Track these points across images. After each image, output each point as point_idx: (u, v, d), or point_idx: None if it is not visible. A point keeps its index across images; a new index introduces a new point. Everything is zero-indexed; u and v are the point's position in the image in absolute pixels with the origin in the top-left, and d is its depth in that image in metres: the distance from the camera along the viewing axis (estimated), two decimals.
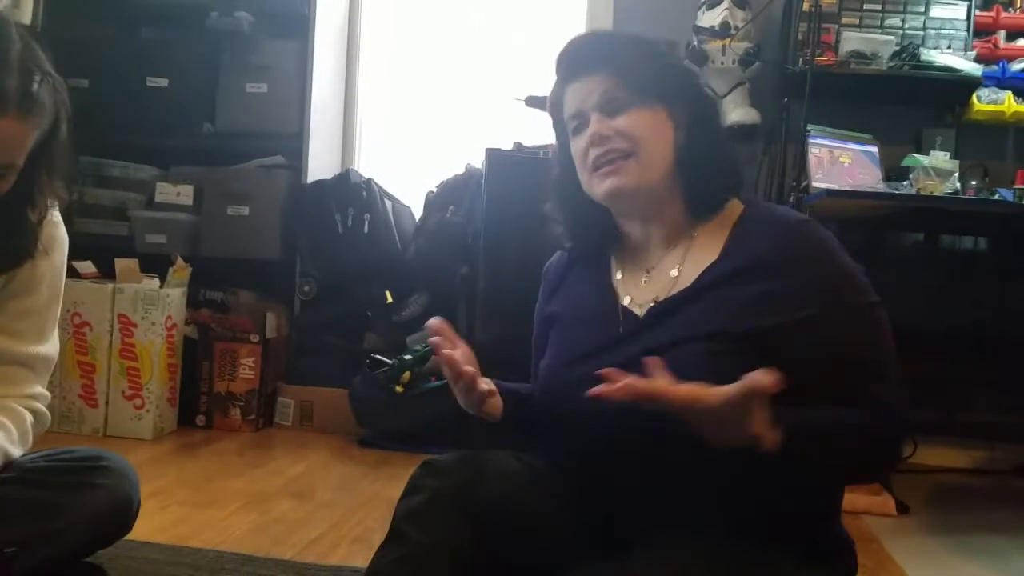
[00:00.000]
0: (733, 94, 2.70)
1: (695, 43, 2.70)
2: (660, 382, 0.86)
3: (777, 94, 2.66)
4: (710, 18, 2.72)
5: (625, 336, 1.04)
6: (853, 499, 2.07)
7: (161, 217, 2.87)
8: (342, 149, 3.25)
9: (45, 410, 1.23)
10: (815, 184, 2.26)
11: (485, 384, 1.00)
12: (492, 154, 2.63)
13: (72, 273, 2.61)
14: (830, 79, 2.51)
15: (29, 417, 1.18)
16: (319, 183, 2.92)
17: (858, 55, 2.54)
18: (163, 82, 2.90)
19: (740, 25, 2.68)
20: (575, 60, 1.06)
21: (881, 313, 0.99)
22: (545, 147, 2.66)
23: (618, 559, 0.95)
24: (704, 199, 1.05)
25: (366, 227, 2.86)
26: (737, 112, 2.66)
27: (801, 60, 2.49)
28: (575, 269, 1.17)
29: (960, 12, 2.63)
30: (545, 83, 3.01)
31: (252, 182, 2.87)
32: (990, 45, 2.59)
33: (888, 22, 2.67)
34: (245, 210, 2.85)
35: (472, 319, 2.76)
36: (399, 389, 2.62)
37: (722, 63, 2.67)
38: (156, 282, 2.64)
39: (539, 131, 2.80)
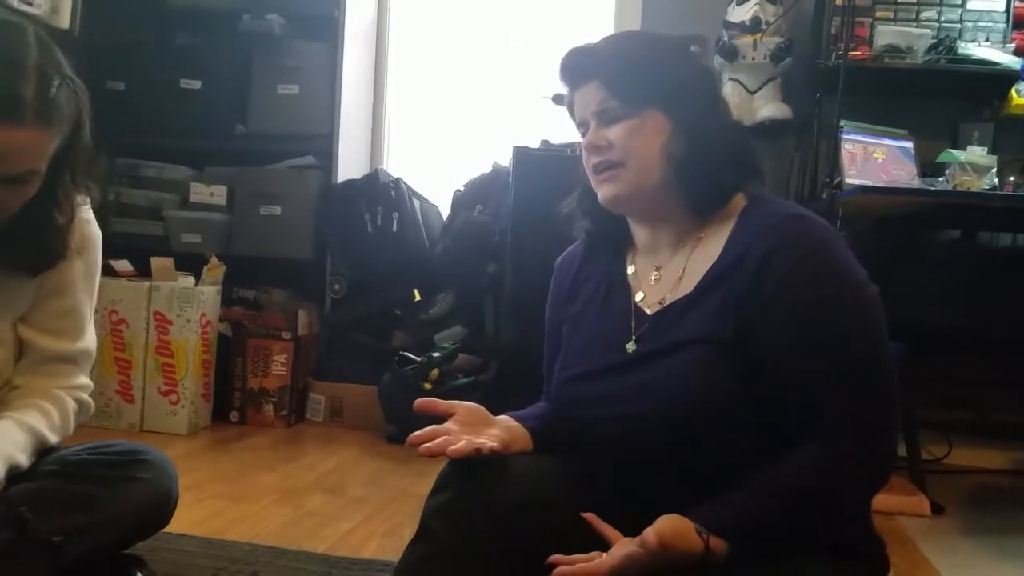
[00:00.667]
0: (764, 89, 2.67)
1: (725, 38, 2.68)
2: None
3: (809, 89, 2.63)
4: (741, 13, 2.70)
5: (636, 337, 1.05)
6: (886, 500, 2.05)
7: (195, 217, 2.92)
8: (371, 149, 3.28)
9: (89, 399, 1.25)
10: (848, 180, 2.23)
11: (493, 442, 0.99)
12: (520, 152, 2.64)
13: (109, 271, 2.68)
14: (864, 74, 2.47)
15: (72, 404, 1.21)
16: (349, 183, 2.95)
17: (893, 49, 2.51)
18: (197, 84, 2.95)
19: (771, 20, 2.66)
20: (570, 71, 1.08)
21: (873, 315, 0.96)
22: (572, 144, 2.66)
23: None
24: (704, 199, 1.05)
25: (395, 226, 2.89)
26: (768, 108, 2.64)
27: (834, 54, 2.46)
28: (588, 266, 1.18)
29: (999, 3, 2.59)
30: None
31: (284, 182, 2.91)
32: None
33: (924, 15, 2.63)
34: (277, 210, 2.89)
35: (499, 316, 2.77)
36: (427, 386, 2.64)
37: (753, 58, 2.65)
38: (191, 280, 2.69)
39: (566, 129, 2.81)
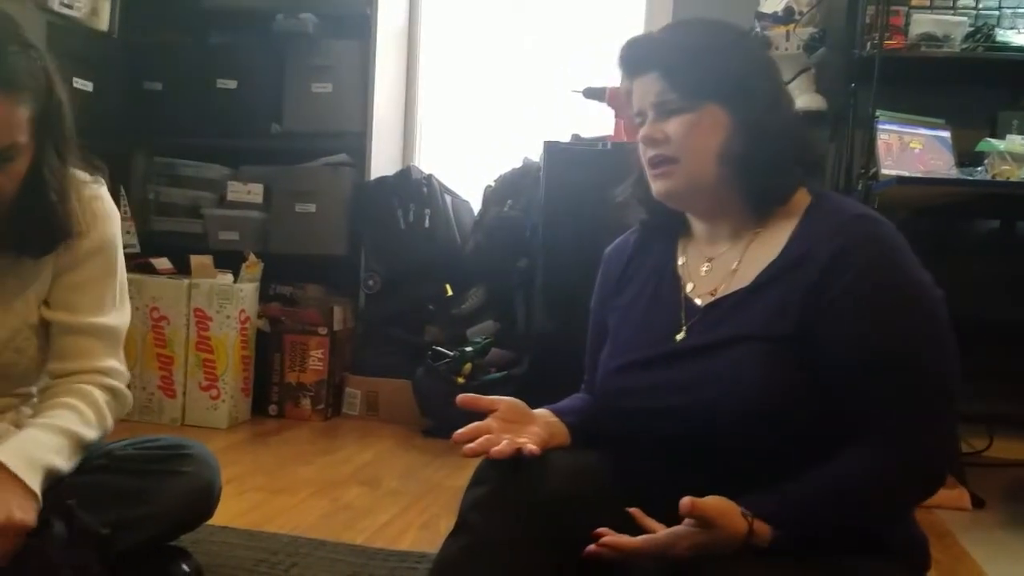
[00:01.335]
0: (798, 80, 2.64)
1: (758, 29, 2.65)
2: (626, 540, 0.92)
3: (844, 79, 2.59)
4: (773, 3, 2.67)
5: (686, 329, 1.04)
6: None
7: (233, 215, 2.97)
8: (403, 146, 3.31)
9: (122, 387, 1.19)
10: (884, 171, 2.20)
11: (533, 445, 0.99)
12: (550, 147, 2.64)
13: (149, 269, 2.74)
14: (899, 63, 2.43)
15: (101, 396, 1.16)
16: (382, 180, 2.98)
17: (929, 38, 2.46)
18: (232, 84, 3.00)
19: (804, 10, 2.62)
20: (630, 61, 1.06)
21: (939, 319, 0.94)
22: (603, 139, 2.66)
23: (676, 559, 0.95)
24: (765, 196, 1.03)
25: (427, 222, 2.91)
26: (802, 99, 2.61)
27: (869, 44, 2.42)
28: (638, 257, 1.17)
29: None
30: (603, 75, 3.01)
31: (318, 180, 2.95)
32: None
33: (961, 2, 2.57)
34: (312, 207, 2.93)
35: (530, 311, 2.78)
36: (460, 380, 2.66)
37: (786, 49, 2.61)
38: (230, 277, 2.74)
39: (597, 123, 2.81)
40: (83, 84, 2.68)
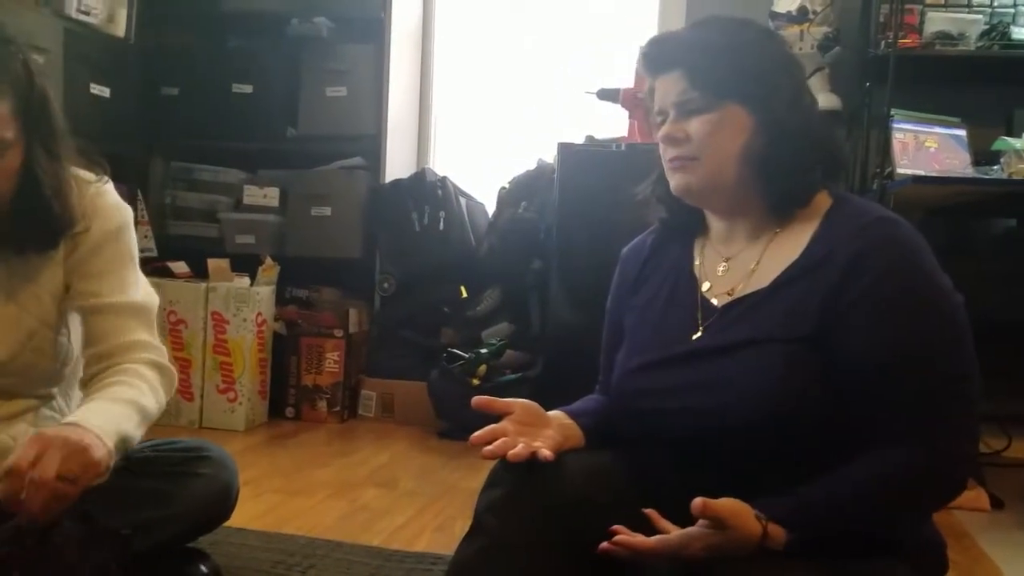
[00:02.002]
0: (812, 80, 2.63)
1: (772, 29, 2.65)
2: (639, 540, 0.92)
3: (858, 79, 2.58)
4: (787, 3, 2.66)
5: (702, 329, 1.04)
6: None
7: (249, 219, 3.00)
8: (417, 149, 3.33)
9: (165, 362, 1.19)
10: (900, 170, 2.19)
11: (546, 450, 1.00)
12: (564, 148, 2.65)
13: (167, 273, 2.77)
14: (914, 62, 2.42)
15: (150, 372, 1.15)
16: (396, 183, 2.99)
17: (944, 36, 2.45)
18: (248, 88, 3.03)
19: (818, 9, 2.62)
20: (653, 59, 1.06)
21: (960, 323, 0.94)
22: (617, 140, 2.66)
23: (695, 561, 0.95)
24: (785, 197, 1.03)
25: (441, 224, 2.92)
26: (817, 98, 2.60)
27: (883, 43, 2.42)
28: (655, 257, 1.17)
29: None
30: (616, 76, 3.00)
31: (334, 183, 2.97)
32: None
33: (976, 0, 2.56)
34: (327, 211, 2.95)
35: (545, 313, 2.79)
36: (475, 382, 2.67)
37: (800, 48, 2.61)
38: (246, 281, 2.76)
39: (611, 124, 2.81)
40: (100, 90, 2.71)
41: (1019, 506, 2.12)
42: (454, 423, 2.72)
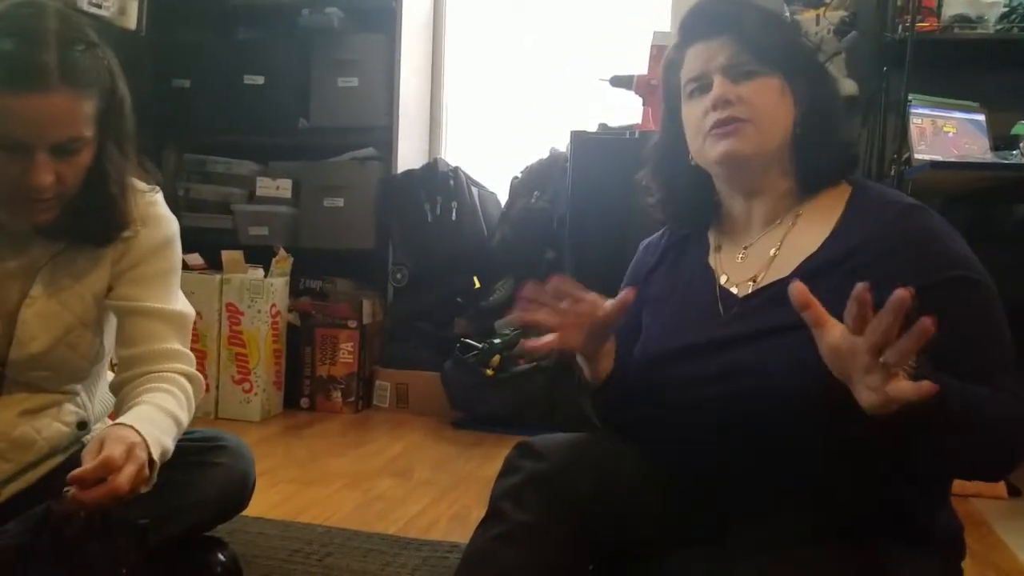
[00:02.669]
0: (828, 65, 2.61)
1: (787, 14, 2.62)
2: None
3: (875, 64, 2.56)
4: None
5: (725, 318, 1.02)
6: (962, 482, 1.99)
7: (262, 210, 3.00)
8: (429, 139, 3.32)
9: (196, 372, 1.21)
10: (918, 156, 2.17)
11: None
12: (577, 136, 2.64)
13: (182, 265, 2.77)
14: (932, 46, 2.39)
15: (185, 381, 1.18)
16: (408, 173, 2.99)
17: (962, 19, 2.42)
18: (260, 80, 3.03)
19: None
20: (702, 21, 1.04)
21: (996, 307, 0.92)
22: (631, 127, 2.64)
23: (712, 547, 0.94)
24: (815, 176, 1.02)
25: (454, 215, 2.92)
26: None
27: (901, 27, 2.38)
28: (672, 251, 1.16)
29: None
30: (629, 63, 2.97)
31: (346, 175, 2.97)
32: None
33: None
34: (340, 202, 2.95)
35: None
36: (489, 372, 2.67)
37: (816, 33, 2.58)
38: (260, 272, 2.77)
39: (624, 111, 2.79)
40: None
41: None
42: (468, 413, 2.73)
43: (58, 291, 1.17)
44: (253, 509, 1.38)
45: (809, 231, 1.01)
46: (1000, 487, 2.06)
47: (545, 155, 2.97)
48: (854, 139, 1.09)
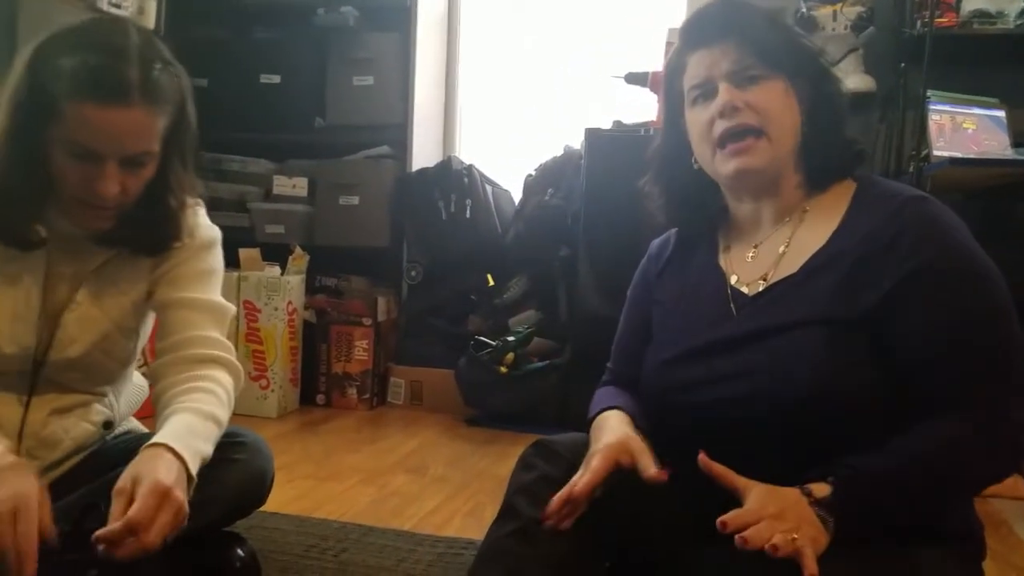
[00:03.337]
0: (846, 61, 2.59)
1: (804, 10, 2.60)
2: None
3: (893, 59, 2.53)
4: None
5: (737, 318, 1.02)
6: None
7: (279, 208, 3.02)
8: (443, 137, 3.33)
9: (235, 362, 1.22)
10: (936, 153, 2.15)
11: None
12: (591, 134, 2.63)
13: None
14: (951, 41, 2.37)
15: (226, 377, 1.19)
16: (423, 171, 3.00)
17: (982, 14, 2.40)
18: (276, 79, 3.05)
19: None
20: (705, 26, 1.04)
21: (1007, 298, 0.92)
22: (645, 124, 2.64)
23: (728, 546, 0.94)
24: (821, 173, 1.02)
25: (468, 212, 2.93)
26: (851, 80, 2.56)
27: (919, 22, 2.36)
28: (680, 253, 1.16)
29: None
30: (644, 60, 2.97)
31: (361, 173, 2.98)
32: None
33: None
34: (355, 200, 2.96)
35: (572, 301, 2.78)
36: (503, 370, 2.68)
37: (833, 29, 2.56)
38: (277, 270, 2.79)
39: (639, 108, 2.78)
40: None
41: None
42: (482, 410, 2.73)
43: (100, 297, 1.19)
44: (270, 504, 1.38)
45: (816, 228, 1.01)
46: (1020, 487, 2.04)
47: (559, 153, 2.97)
48: (859, 136, 1.08)
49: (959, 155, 2.08)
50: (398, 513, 1.80)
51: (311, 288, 2.94)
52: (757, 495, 0.88)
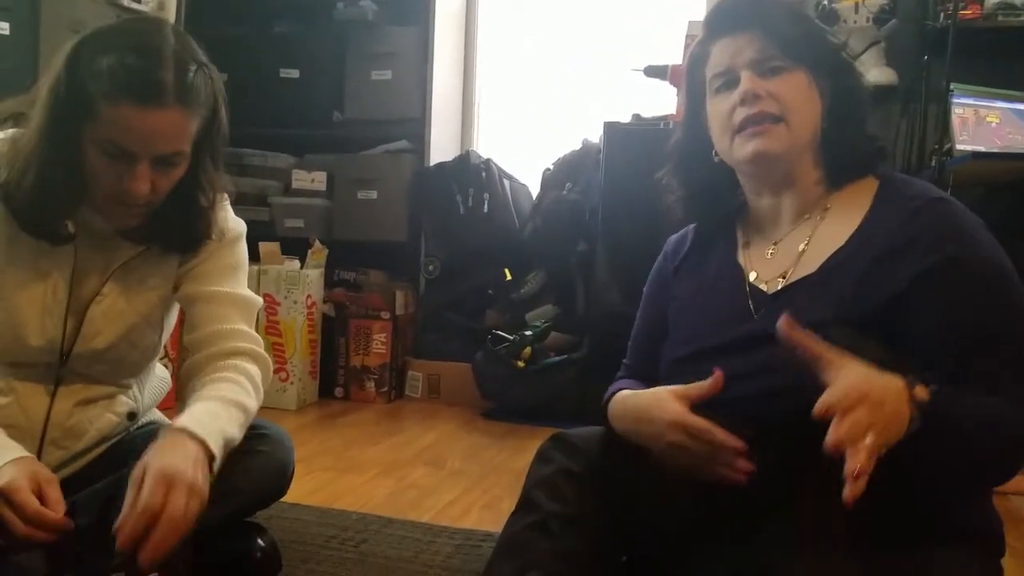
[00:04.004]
0: (868, 54, 2.56)
1: (825, 2, 2.58)
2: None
3: (916, 52, 2.51)
4: None
5: (755, 315, 1.02)
6: None
7: (298, 203, 3.04)
8: (461, 131, 3.33)
9: (263, 352, 1.23)
10: (959, 147, 2.13)
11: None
12: (610, 127, 2.62)
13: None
14: (975, 34, 2.34)
15: (253, 367, 1.19)
16: (440, 165, 3.00)
17: (1006, 6, 2.36)
18: (295, 73, 3.07)
19: None
20: (730, 15, 1.04)
21: (1021, 297, 0.92)
22: (665, 118, 2.63)
23: (747, 544, 0.94)
24: (842, 169, 1.02)
25: (485, 207, 2.93)
26: (872, 73, 2.53)
27: (942, 15, 2.34)
28: (698, 249, 1.15)
29: None
30: (663, 53, 2.94)
31: (379, 167, 3.00)
32: None
33: None
34: (373, 194, 2.98)
35: (590, 295, 2.78)
36: (520, 364, 2.68)
37: (855, 22, 2.54)
38: (296, 264, 2.81)
39: (658, 102, 2.77)
40: None
41: None
42: (499, 404, 2.74)
43: (127, 290, 1.21)
44: (290, 495, 1.40)
45: (837, 226, 1.00)
46: None
47: (577, 146, 2.96)
48: (880, 130, 1.07)
49: (982, 149, 2.06)
50: (416, 505, 1.82)
51: (330, 282, 2.96)
52: (854, 371, 0.82)
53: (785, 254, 1.03)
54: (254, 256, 2.80)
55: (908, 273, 0.92)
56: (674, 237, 1.22)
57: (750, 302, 1.03)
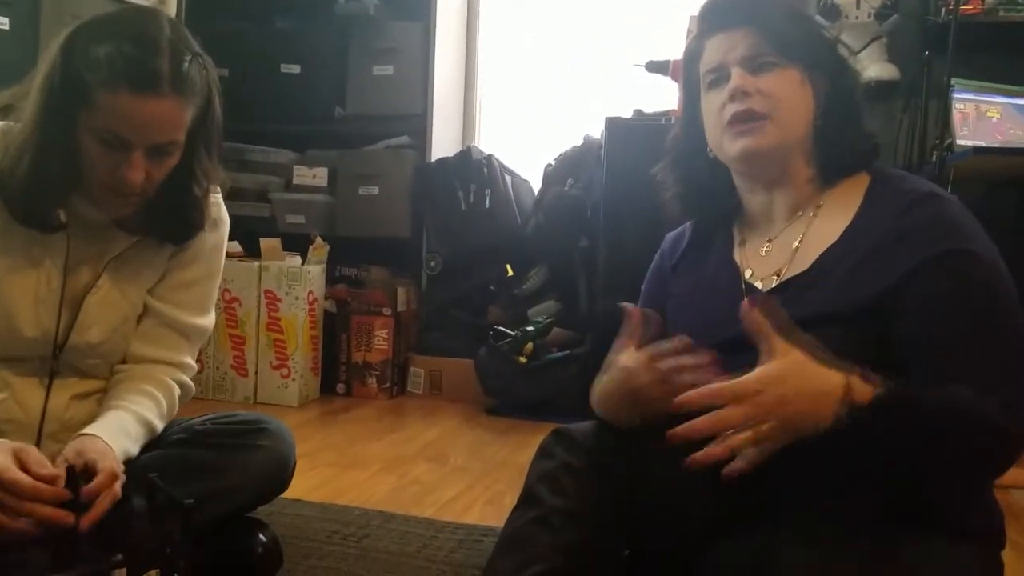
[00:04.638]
0: (869, 49, 2.56)
1: None
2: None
3: (917, 47, 2.50)
4: None
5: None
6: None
7: (299, 199, 3.04)
8: (463, 126, 3.33)
9: (190, 382, 1.28)
10: (960, 142, 2.13)
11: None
12: (612, 123, 2.62)
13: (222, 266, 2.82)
14: (976, 29, 2.34)
15: (177, 391, 1.25)
16: (442, 161, 3.00)
17: (1008, 1, 2.36)
18: (296, 69, 3.06)
19: None
20: (724, 11, 1.05)
21: (1013, 295, 0.91)
22: (666, 113, 2.62)
23: (750, 537, 0.94)
24: (835, 167, 1.02)
25: (487, 203, 2.93)
26: (874, 68, 2.53)
27: (944, 10, 2.33)
28: (696, 246, 1.15)
29: None
30: (665, 48, 2.94)
31: (381, 163, 2.99)
32: None
33: None
34: (375, 190, 2.98)
35: (592, 292, 2.78)
36: (522, 360, 2.69)
37: (856, 17, 2.54)
38: (298, 260, 2.81)
39: (660, 97, 2.77)
40: None
41: None
42: (501, 400, 2.74)
43: (122, 282, 1.21)
44: (292, 491, 1.40)
45: (830, 223, 1.00)
46: None
47: (579, 142, 2.96)
48: (875, 131, 1.07)
49: (983, 144, 2.05)
50: (419, 501, 1.82)
51: (331, 278, 2.96)
52: (778, 365, 0.83)
53: (779, 251, 1.04)
54: (255, 252, 2.82)
55: (900, 268, 0.92)
56: (671, 234, 1.22)
57: (745, 300, 1.04)
